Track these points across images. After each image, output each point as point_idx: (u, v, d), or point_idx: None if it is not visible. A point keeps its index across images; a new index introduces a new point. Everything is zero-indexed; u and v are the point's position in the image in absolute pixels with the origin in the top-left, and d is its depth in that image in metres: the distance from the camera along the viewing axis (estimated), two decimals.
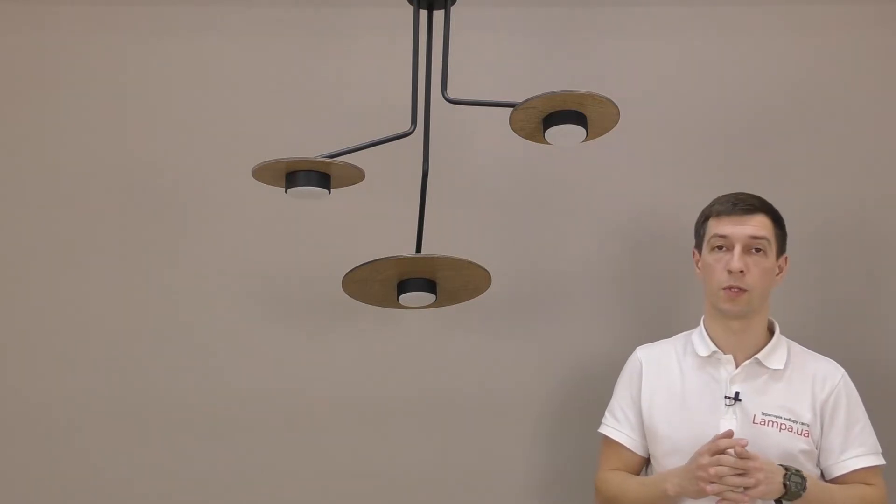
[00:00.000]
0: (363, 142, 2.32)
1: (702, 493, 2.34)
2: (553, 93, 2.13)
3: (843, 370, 2.50)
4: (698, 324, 2.54)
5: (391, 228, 2.68)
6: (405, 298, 2.34)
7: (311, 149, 2.35)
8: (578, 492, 2.82)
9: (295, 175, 2.19)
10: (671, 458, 2.45)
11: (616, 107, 2.16)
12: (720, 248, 2.45)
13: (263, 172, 2.20)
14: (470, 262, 2.29)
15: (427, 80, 2.34)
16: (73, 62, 2.95)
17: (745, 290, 2.41)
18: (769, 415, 2.42)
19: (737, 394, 2.43)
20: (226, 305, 2.95)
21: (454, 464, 2.95)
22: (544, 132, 2.19)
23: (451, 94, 2.35)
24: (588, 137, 2.21)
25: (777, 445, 2.39)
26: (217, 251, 2.94)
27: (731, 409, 2.43)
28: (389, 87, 2.63)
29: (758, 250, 2.43)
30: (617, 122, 2.21)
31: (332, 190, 2.23)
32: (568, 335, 2.94)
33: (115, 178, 2.94)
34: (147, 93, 2.96)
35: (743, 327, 2.46)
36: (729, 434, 2.35)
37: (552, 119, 2.16)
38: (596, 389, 2.74)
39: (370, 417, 2.95)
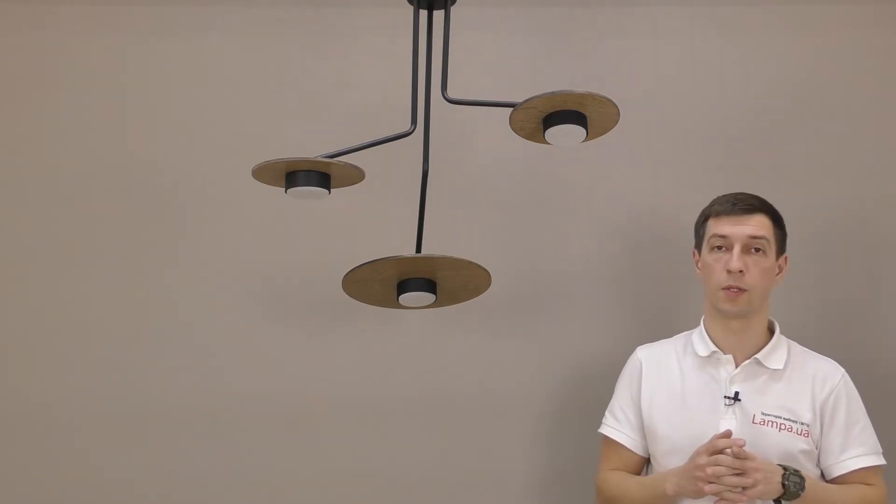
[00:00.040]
0: (363, 142, 2.32)
1: (700, 493, 2.34)
2: (553, 93, 2.13)
3: (843, 370, 2.50)
4: (698, 324, 2.54)
5: (391, 228, 2.68)
6: (405, 298, 2.34)
7: (311, 149, 2.35)
8: (578, 492, 2.82)
9: (295, 175, 2.19)
10: (671, 457, 2.45)
11: (616, 107, 2.16)
12: (720, 248, 2.45)
13: (263, 172, 2.20)
14: (470, 262, 2.29)
15: (427, 80, 2.34)
16: (73, 62, 2.95)
17: (744, 290, 2.41)
18: (769, 415, 2.42)
19: (736, 394, 2.43)
20: (226, 305, 2.95)
21: (454, 464, 2.95)
22: (544, 132, 2.19)
23: (451, 94, 2.35)
24: (588, 137, 2.21)
25: (777, 445, 2.39)
26: (217, 251, 2.94)
27: (730, 409, 2.43)
28: (389, 87, 2.63)
29: (757, 250, 2.43)
30: (617, 122, 2.21)
31: (332, 190, 2.23)
32: (568, 335, 2.94)
33: (115, 178, 2.94)
34: (147, 93, 2.96)
35: (743, 327, 2.46)
36: (727, 434, 2.35)
37: (552, 119, 2.16)
38: (596, 389, 2.74)
39: (370, 417, 2.95)
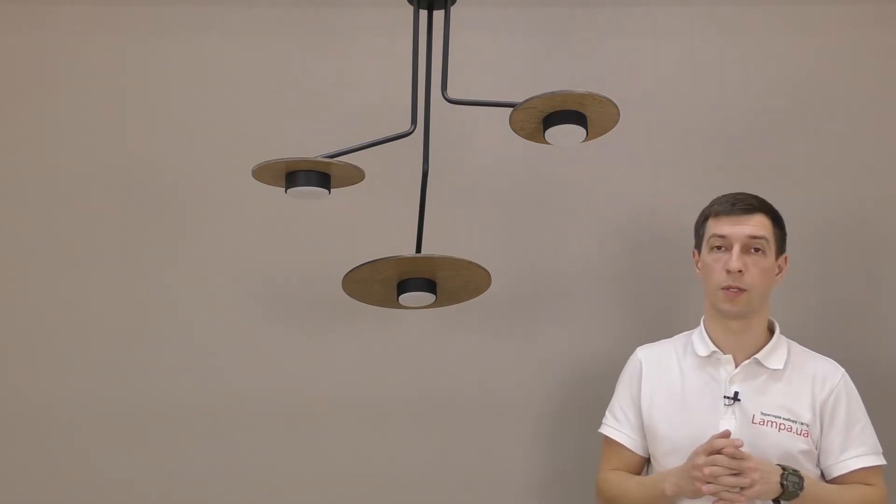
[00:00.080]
0: (363, 142, 2.32)
1: (698, 493, 2.34)
2: (553, 93, 2.13)
3: (843, 370, 2.50)
4: (698, 324, 2.54)
5: (391, 228, 2.68)
6: (405, 298, 2.34)
7: (311, 149, 2.35)
8: (578, 492, 2.82)
9: (295, 175, 2.19)
10: (671, 457, 2.45)
11: (616, 107, 2.16)
12: (719, 248, 2.45)
13: (263, 172, 2.20)
14: (470, 262, 2.29)
15: (427, 80, 2.34)
16: (73, 62, 2.95)
17: (744, 290, 2.41)
18: (768, 415, 2.42)
19: (736, 394, 2.43)
20: (226, 305, 2.95)
21: (454, 464, 2.95)
22: (544, 132, 2.19)
23: (451, 94, 2.35)
24: (588, 137, 2.21)
25: (776, 445, 2.39)
26: (217, 251, 2.94)
27: (730, 409, 2.43)
28: (389, 87, 2.63)
29: (757, 250, 2.43)
30: (617, 122, 2.21)
31: (332, 190, 2.23)
32: (568, 335, 2.94)
33: (115, 178, 2.94)
34: (147, 93, 2.96)
35: (742, 327, 2.46)
36: (725, 434, 2.35)
37: (552, 119, 2.16)
38: (596, 389, 2.74)
39: (370, 417, 2.95)
